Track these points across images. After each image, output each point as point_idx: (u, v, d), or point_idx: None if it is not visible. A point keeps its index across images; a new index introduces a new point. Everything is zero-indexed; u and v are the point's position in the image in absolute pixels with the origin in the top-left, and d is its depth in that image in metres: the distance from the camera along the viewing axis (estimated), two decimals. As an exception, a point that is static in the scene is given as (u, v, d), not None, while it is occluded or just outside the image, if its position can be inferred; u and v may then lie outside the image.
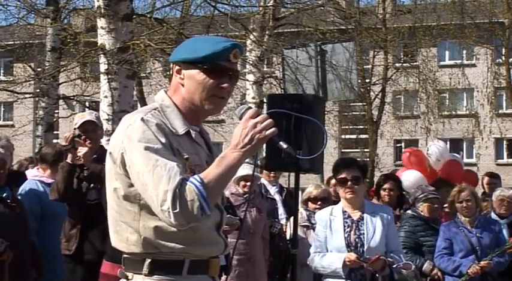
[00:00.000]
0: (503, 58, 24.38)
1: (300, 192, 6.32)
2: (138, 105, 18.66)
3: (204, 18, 16.52)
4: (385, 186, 7.49)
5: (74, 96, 18.19)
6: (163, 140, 2.76)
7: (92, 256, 5.73)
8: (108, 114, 9.45)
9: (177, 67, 2.93)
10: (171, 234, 2.77)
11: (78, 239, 5.76)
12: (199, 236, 2.80)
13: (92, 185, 5.77)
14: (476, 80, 27.74)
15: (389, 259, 5.35)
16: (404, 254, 5.93)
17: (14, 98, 19.04)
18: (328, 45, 10.78)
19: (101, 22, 9.60)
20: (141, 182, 2.72)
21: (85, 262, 5.76)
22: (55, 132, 17.27)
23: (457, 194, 6.85)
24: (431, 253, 6.82)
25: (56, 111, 17.73)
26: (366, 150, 25.56)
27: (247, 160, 2.88)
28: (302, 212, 6.71)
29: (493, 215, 7.49)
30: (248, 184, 6.56)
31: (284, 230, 7.00)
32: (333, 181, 8.32)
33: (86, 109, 20.33)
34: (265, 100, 14.48)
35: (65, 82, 17.85)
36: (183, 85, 2.91)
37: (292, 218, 5.70)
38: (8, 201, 5.66)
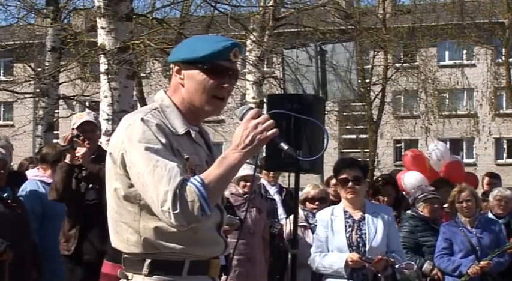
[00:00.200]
0: (503, 58, 24.38)
1: (300, 192, 6.32)
2: (138, 105, 18.65)
3: (204, 18, 16.54)
4: (384, 192, 7.48)
5: (74, 96, 18.18)
6: (163, 140, 2.75)
7: (91, 256, 5.73)
8: (108, 115, 9.45)
9: (176, 67, 2.92)
10: (172, 234, 2.76)
11: (77, 239, 5.76)
12: (199, 237, 2.80)
13: (90, 185, 5.77)
14: (476, 80, 27.74)
15: (391, 259, 5.35)
16: (404, 254, 5.93)
17: (14, 98, 19.02)
18: (328, 45, 10.78)
19: (101, 22, 9.59)
20: (141, 183, 2.71)
21: (84, 262, 5.76)
22: (55, 132, 17.26)
23: (458, 194, 6.85)
24: (431, 253, 6.82)
25: (56, 111, 17.72)
26: (365, 150, 25.58)
27: (247, 160, 2.87)
28: (300, 212, 6.70)
29: (490, 215, 7.49)
30: (248, 184, 6.56)
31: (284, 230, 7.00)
32: (333, 181, 8.35)
33: (86, 109, 20.35)
34: (265, 100, 14.48)
35: (65, 82, 17.85)
36: (183, 85, 2.90)
37: (290, 218, 5.70)
38: (9, 201, 5.66)
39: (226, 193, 6.29)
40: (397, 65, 25.24)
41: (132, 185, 2.78)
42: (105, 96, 9.55)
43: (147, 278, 2.81)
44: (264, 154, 5.87)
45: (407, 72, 24.13)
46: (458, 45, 24.93)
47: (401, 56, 25.92)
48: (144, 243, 2.79)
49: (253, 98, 15.14)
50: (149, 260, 2.81)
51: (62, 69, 15.41)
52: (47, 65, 15.45)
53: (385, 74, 24.22)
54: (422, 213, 6.97)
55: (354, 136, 30.12)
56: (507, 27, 23.13)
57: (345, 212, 5.54)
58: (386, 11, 24.33)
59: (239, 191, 6.63)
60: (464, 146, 34.75)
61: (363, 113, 26.23)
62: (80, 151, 5.70)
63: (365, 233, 5.43)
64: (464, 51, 28.02)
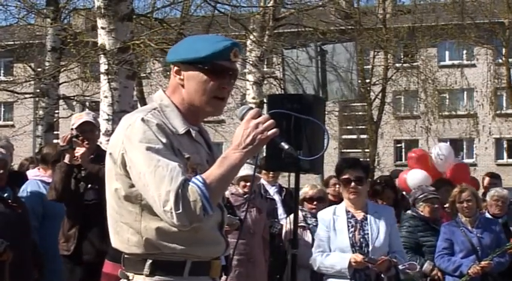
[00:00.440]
0: (503, 58, 24.38)
1: (300, 192, 6.31)
2: (138, 105, 18.65)
3: (204, 18, 16.54)
4: (383, 195, 7.50)
5: (74, 96, 18.19)
6: (164, 140, 2.74)
7: (90, 256, 5.73)
8: (108, 115, 9.44)
9: (175, 68, 2.90)
10: (173, 235, 2.75)
11: (77, 239, 5.76)
12: (201, 236, 2.80)
13: (89, 185, 5.77)
14: (476, 80, 27.75)
15: (393, 259, 5.35)
16: (405, 255, 5.93)
17: (14, 98, 19.03)
18: (328, 45, 10.77)
19: (101, 22, 9.59)
20: (142, 183, 2.71)
21: (84, 262, 5.76)
22: (55, 132, 17.25)
23: (458, 195, 6.85)
24: (431, 253, 6.82)
25: (56, 111, 17.71)
26: (366, 150, 25.58)
27: (247, 160, 2.86)
28: (298, 213, 6.69)
29: (487, 215, 7.48)
30: (248, 184, 6.56)
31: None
32: (332, 181, 8.37)
33: (86, 109, 20.35)
34: (265, 100, 14.48)
35: (65, 82, 17.85)
36: (182, 86, 2.89)
37: (289, 218, 5.69)
38: (9, 201, 5.65)
39: (226, 193, 6.29)
40: (397, 65, 25.25)
41: (132, 185, 2.77)
42: (105, 97, 9.55)
43: (148, 279, 2.80)
44: (264, 154, 5.86)
45: (407, 72, 24.15)
46: (459, 45, 24.94)
47: (402, 56, 25.94)
48: (145, 243, 2.79)
49: (254, 98, 15.14)
50: (150, 261, 2.80)
51: (62, 70, 15.41)
52: (47, 65, 15.45)
53: (385, 74, 24.23)
54: (422, 213, 6.97)
55: (354, 136, 30.13)
56: (507, 27, 23.14)
57: (347, 212, 5.53)
58: (386, 11, 24.34)
59: (239, 191, 6.63)
60: (464, 146, 34.75)
61: (363, 113, 26.25)
62: (79, 151, 5.70)
63: (368, 234, 5.42)
64: (464, 52, 28.02)
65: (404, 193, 9.35)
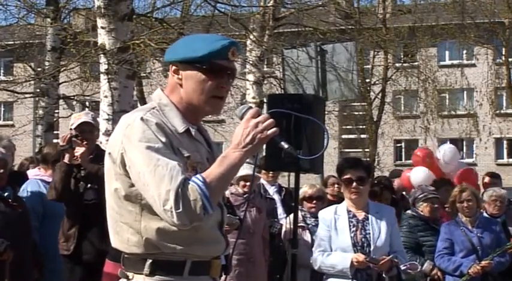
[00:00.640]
0: (503, 58, 24.38)
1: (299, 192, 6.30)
2: (138, 105, 18.64)
3: (204, 18, 16.53)
4: (382, 196, 7.51)
5: (74, 96, 18.19)
6: (163, 139, 2.74)
7: (90, 256, 5.74)
8: (108, 114, 9.45)
9: (173, 67, 2.90)
10: (173, 234, 2.75)
11: (77, 239, 5.76)
12: (201, 236, 2.79)
13: (89, 185, 5.76)
14: (476, 80, 27.75)
15: (395, 259, 5.35)
16: (406, 255, 5.93)
17: (14, 98, 19.04)
18: (328, 45, 10.77)
19: (101, 22, 9.59)
20: (142, 182, 2.70)
21: (83, 262, 5.76)
22: (55, 132, 17.25)
23: (459, 194, 6.85)
24: (431, 252, 6.81)
25: (56, 111, 17.73)
26: (366, 150, 25.58)
27: (247, 160, 2.86)
28: (298, 212, 6.69)
29: (485, 215, 7.48)
30: (248, 183, 6.56)
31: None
32: (331, 181, 8.37)
33: (86, 109, 20.35)
34: (265, 100, 14.48)
35: (65, 82, 17.85)
36: (181, 85, 2.88)
37: (288, 218, 5.68)
38: (10, 200, 5.65)
39: (226, 192, 6.29)
40: (397, 65, 25.25)
41: (132, 185, 2.77)
42: (105, 96, 9.55)
43: (147, 278, 2.80)
44: (264, 154, 5.86)
45: (407, 72, 24.15)
46: (459, 45, 24.95)
47: (402, 56, 25.94)
48: (145, 243, 2.78)
49: (254, 98, 15.14)
50: (150, 260, 2.79)
51: (62, 69, 15.42)
52: (47, 64, 15.45)
53: (385, 74, 24.23)
54: (422, 213, 6.97)
55: (354, 136, 30.12)
56: (507, 27, 23.13)
57: (349, 211, 5.52)
58: (386, 11, 24.34)
59: (239, 191, 6.63)
60: (464, 146, 34.75)
61: (363, 113, 26.24)
62: (79, 150, 5.70)
63: (369, 233, 5.42)
64: (465, 51, 28.02)
65: (404, 193, 9.37)
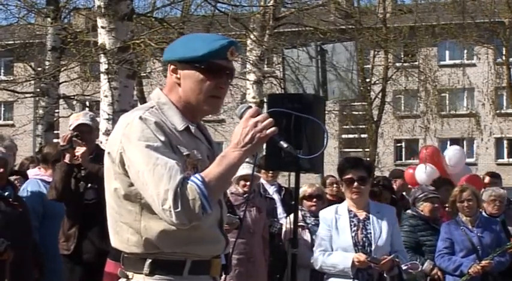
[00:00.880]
0: (504, 58, 24.38)
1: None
2: (139, 104, 18.64)
3: (204, 17, 16.53)
4: (381, 197, 7.52)
5: (74, 95, 18.19)
6: (162, 138, 2.74)
7: (90, 256, 5.73)
8: (109, 114, 9.45)
9: (172, 66, 2.89)
10: (173, 234, 2.75)
11: (77, 238, 5.76)
12: (200, 234, 2.79)
13: (89, 185, 5.76)
14: (476, 80, 27.74)
15: (396, 259, 5.34)
16: (407, 254, 5.92)
17: (15, 97, 19.04)
18: (328, 44, 10.78)
19: (101, 21, 9.59)
20: (141, 182, 2.70)
21: (84, 261, 5.76)
22: (55, 131, 17.26)
23: (459, 194, 6.84)
24: (431, 252, 6.81)
25: (56, 110, 17.73)
26: (366, 150, 25.57)
27: (247, 160, 2.86)
28: (298, 212, 6.69)
29: (484, 214, 7.48)
30: (248, 183, 6.55)
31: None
32: (329, 180, 8.38)
33: (86, 109, 20.35)
34: (265, 100, 14.47)
35: (65, 82, 17.85)
36: (179, 85, 2.88)
37: (289, 217, 5.67)
38: (10, 200, 5.65)
39: (227, 192, 6.28)
40: (397, 64, 25.25)
41: (132, 184, 2.76)
42: (106, 96, 9.55)
43: (147, 278, 2.80)
44: (264, 153, 5.86)
45: (407, 71, 24.15)
46: (459, 45, 24.94)
47: (402, 56, 25.93)
48: (144, 243, 2.78)
49: (254, 97, 15.13)
50: (150, 260, 2.79)
51: (62, 69, 15.42)
52: (47, 64, 15.46)
53: (386, 74, 24.23)
54: (422, 212, 6.96)
55: (354, 136, 30.10)
56: (507, 27, 23.14)
57: (350, 211, 5.51)
58: (386, 11, 24.35)
59: (239, 190, 6.63)
60: (465, 146, 34.75)
61: (363, 112, 26.23)
62: (79, 150, 5.69)
63: (370, 233, 5.41)
64: (465, 51, 28.00)
65: (404, 193, 9.37)
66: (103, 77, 9.68)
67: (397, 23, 23.80)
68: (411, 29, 23.03)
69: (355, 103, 27.17)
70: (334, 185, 8.28)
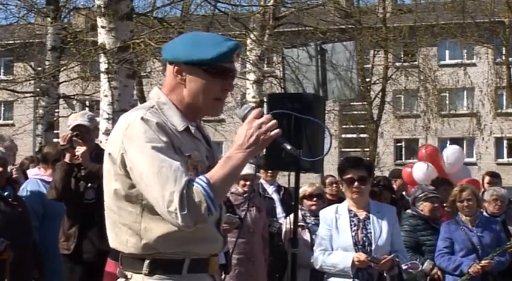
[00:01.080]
0: (504, 57, 24.39)
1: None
2: (138, 104, 18.62)
3: (204, 17, 16.53)
4: (381, 196, 7.52)
5: (74, 95, 18.20)
6: (164, 138, 2.73)
7: (90, 255, 5.73)
8: (109, 114, 9.45)
9: (176, 68, 2.86)
10: (173, 235, 2.74)
11: (77, 238, 5.75)
12: (199, 234, 2.78)
13: (89, 184, 5.76)
14: (476, 80, 27.75)
15: (396, 259, 5.34)
16: (407, 254, 5.93)
17: (14, 97, 19.07)
18: (328, 44, 10.76)
19: (101, 21, 9.59)
20: (144, 183, 2.69)
21: (84, 261, 5.76)
22: (55, 131, 17.26)
23: (459, 194, 6.84)
24: (431, 252, 6.81)
25: (56, 110, 17.73)
26: (366, 149, 25.58)
27: (247, 160, 2.86)
28: (298, 212, 6.69)
29: (485, 214, 7.48)
30: (248, 183, 6.55)
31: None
32: (329, 180, 8.38)
33: (86, 108, 20.36)
34: (265, 99, 14.47)
35: (65, 81, 17.86)
36: (183, 86, 2.86)
37: (289, 217, 5.67)
38: (10, 200, 5.65)
39: (227, 192, 6.27)
40: (397, 64, 25.27)
41: (132, 186, 2.75)
42: (106, 96, 9.56)
43: (146, 278, 2.79)
44: (264, 153, 5.85)
45: (407, 71, 24.17)
46: (459, 44, 24.96)
47: (402, 55, 25.95)
48: (144, 244, 2.77)
49: (254, 97, 15.14)
50: (149, 260, 2.79)
51: (62, 69, 15.43)
52: (47, 64, 15.46)
53: (386, 73, 24.25)
54: (422, 212, 6.96)
55: (354, 135, 30.12)
56: (507, 27, 23.14)
57: (350, 211, 5.51)
58: (386, 10, 24.37)
59: (239, 190, 6.63)
60: (465, 146, 34.75)
61: (363, 112, 26.25)
62: (80, 150, 5.70)
63: (371, 232, 5.41)
64: (465, 51, 28.02)
65: (404, 193, 9.37)
66: (103, 76, 9.68)
67: (397, 23, 23.82)
68: (411, 29, 23.05)
69: (355, 103, 27.17)
70: (334, 185, 8.29)
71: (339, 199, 7.15)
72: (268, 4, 15.50)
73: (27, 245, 5.68)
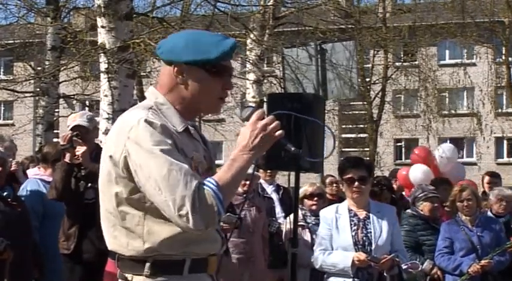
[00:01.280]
0: (504, 57, 24.40)
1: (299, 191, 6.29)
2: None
3: (204, 17, 16.53)
4: (382, 196, 7.53)
5: (74, 95, 18.21)
6: (169, 141, 2.70)
7: (90, 255, 5.73)
8: (108, 113, 9.46)
9: (176, 68, 2.84)
10: (176, 237, 2.73)
11: (77, 238, 5.76)
12: (199, 235, 2.77)
13: (89, 184, 5.76)
14: (476, 79, 27.75)
15: (396, 258, 5.35)
16: (407, 254, 5.93)
17: (14, 97, 19.07)
18: (328, 44, 10.77)
19: (101, 21, 9.60)
20: (152, 187, 2.65)
21: (84, 261, 5.76)
22: (55, 131, 17.26)
23: (459, 193, 6.85)
24: (431, 252, 6.81)
25: (56, 110, 17.74)
26: (366, 149, 25.59)
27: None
28: (298, 212, 6.69)
29: (489, 214, 7.49)
30: (247, 183, 6.55)
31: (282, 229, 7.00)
32: (328, 180, 8.37)
33: (86, 108, 20.37)
34: (265, 99, 14.47)
35: (65, 81, 17.86)
36: (184, 86, 2.84)
37: (289, 217, 5.66)
38: (9, 200, 5.65)
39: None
40: (397, 64, 25.27)
41: (135, 188, 2.72)
42: (106, 95, 9.56)
43: (148, 280, 2.78)
44: (264, 153, 5.85)
45: (407, 71, 24.18)
46: (459, 44, 24.97)
47: (402, 55, 25.95)
48: (146, 247, 2.76)
49: (254, 97, 15.13)
50: (150, 262, 2.77)
51: (62, 68, 15.43)
52: (47, 64, 15.47)
53: (385, 73, 24.25)
54: (422, 212, 6.97)
55: (354, 135, 30.12)
56: (507, 26, 23.15)
57: (350, 210, 5.52)
58: (386, 10, 24.38)
59: (238, 190, 6.62)
60: (465, 146, 34.75)
61: (363, 112, 26.25)
62: (80, 149, 5.70)
63: (371, 232, 5.42)
64: (465, 50, 28.03)
65: (403, 193, 9.37)
66: (103, 76, 9.69)
67: (397, 23, 23.82)
68: (411, 29, 23.05)
69: (355, 103, 27.18)
70: (334, 185, 8.29)
71: (339, 198, 7.15)
72: (268, 4, 15.50)
73: (27, 245, 5.68)
